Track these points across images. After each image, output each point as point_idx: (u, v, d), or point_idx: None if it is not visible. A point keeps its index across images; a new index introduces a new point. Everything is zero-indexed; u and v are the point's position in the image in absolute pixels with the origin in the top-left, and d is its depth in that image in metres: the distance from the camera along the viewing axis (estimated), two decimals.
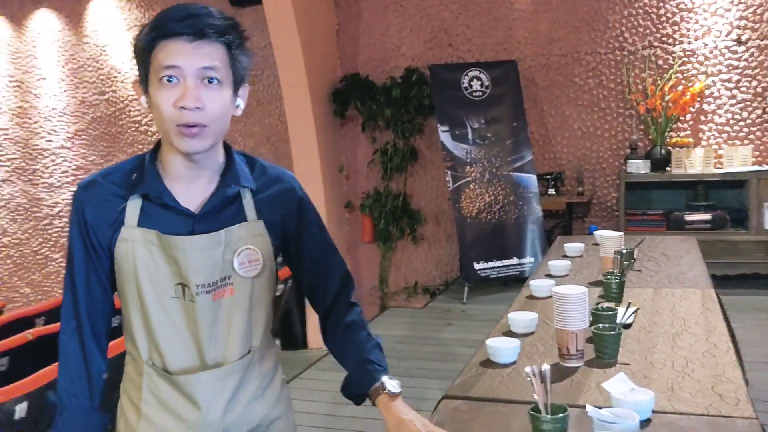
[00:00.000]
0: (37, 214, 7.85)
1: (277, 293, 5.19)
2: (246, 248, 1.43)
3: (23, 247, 7.94)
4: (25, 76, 7.74)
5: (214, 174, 1.44)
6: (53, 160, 7.73)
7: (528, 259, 5.75)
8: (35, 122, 7.76)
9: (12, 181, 7.92)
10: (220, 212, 1.43)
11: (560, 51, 6.05)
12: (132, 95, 7.35)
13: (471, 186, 5.74)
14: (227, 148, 1.47)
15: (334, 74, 6.60)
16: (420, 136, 6.47)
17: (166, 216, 1.41)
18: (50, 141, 7.71)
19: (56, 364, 1.51)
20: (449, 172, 5.73)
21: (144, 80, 1.36)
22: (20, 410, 2.70)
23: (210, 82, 1.32)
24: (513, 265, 5.74)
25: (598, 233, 3.07)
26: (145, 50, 1.33)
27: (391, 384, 1.43)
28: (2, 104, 7.85)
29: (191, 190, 1.42)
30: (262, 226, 1.46)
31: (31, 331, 4.28)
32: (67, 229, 1.50)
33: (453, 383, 1.84)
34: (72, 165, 7.64)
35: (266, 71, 6.74)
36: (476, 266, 5.70)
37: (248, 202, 1.45)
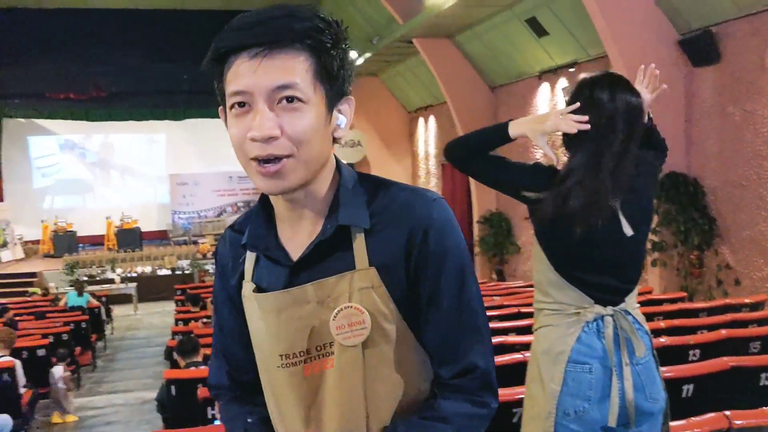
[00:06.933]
0: None
1: None
2: (346, 307, 1.09)
3: None
4: None
5: (322, 212, 1.14)
6: None
7: None
8: None
9: None
10: (326, 260, 1.12)
11: None
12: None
13: None
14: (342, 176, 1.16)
15: None
16: None
17: (271, 267, 1.16)
18: None
19: None
20: None
21: (224, 107, 1.10)
22: None
23: (289, 102, 1.03)
24: None
25: None
26: (215, 72, 1.09)
27: None
28: None
29: (298, 234, 1.15)
30: (375, 275, 1.09)
31: None
32: None
33: None
34: None
35: None
36: None
37: (359, 245, 1.10)
